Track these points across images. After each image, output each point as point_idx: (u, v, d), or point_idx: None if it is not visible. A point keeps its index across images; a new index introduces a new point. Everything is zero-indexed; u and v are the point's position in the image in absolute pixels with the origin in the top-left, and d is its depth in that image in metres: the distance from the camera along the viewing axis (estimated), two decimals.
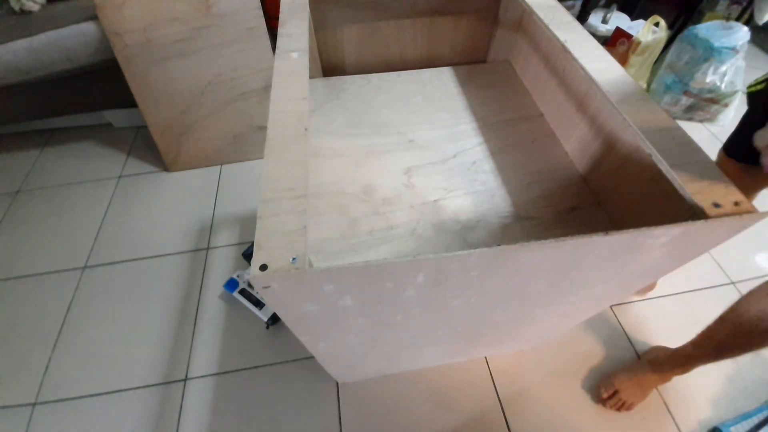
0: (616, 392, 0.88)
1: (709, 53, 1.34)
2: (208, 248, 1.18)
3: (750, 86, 0.70)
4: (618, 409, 0.88)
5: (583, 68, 0.53)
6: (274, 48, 0.95)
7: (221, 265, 1.15)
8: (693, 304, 1.05)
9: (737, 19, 1.59)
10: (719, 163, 0.79)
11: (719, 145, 0.78)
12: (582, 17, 1.67)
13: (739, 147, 0.75)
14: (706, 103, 1.45)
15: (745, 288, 1.06)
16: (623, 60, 1.49)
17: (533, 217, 0.62)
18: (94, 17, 1.12)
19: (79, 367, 0.97)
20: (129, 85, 1.18)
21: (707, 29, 1.37)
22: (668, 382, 0.89)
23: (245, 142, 1.39)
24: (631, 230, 0.35)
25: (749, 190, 0.78)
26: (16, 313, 1.07)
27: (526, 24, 0.80)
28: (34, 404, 0.92)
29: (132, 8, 1.07)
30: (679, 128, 0.46)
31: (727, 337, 0.71)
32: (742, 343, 0.69)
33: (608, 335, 0.99)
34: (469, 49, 0.89)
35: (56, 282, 1.13)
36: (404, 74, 0.86)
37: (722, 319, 0.72)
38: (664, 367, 0.86)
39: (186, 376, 0.95)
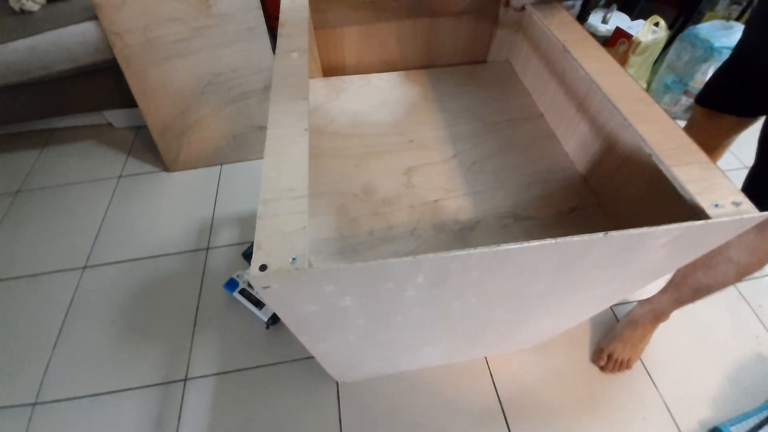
0: (609, 356, 0.93)
1: (709, 53, 1.34)
2: (208, 248, 1.18)
3: None
4: (620, 369, 0.92)
5: (583, 68, 0.53)
6: (274, 48, 0.95)
7: (221, 265, 1.15)
8: (692, 304, 1.05)
9: (737, 19, 1.59)
10: (693, 115, 0.84)
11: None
12: (582, 17, 1.66)
13: (710, 94, 0.78)
14: None
15: (744, 287, 1.07)
16: (623, 60, 1.49)
17: (533, 217, 0.62)
18: (94, 17, 1.12)
19: (79, 367, 0.97)
20: (129, 85, 1.18)
21: (707, 29, 1.36)
22: (649, 334, 0.94)
23: (245, 142, 1.39)
24: (631, 230, 0.35)
25: (719, 138, 0.81)
26: (16, 313, 1.07)
27: (526, 24, 0.80)
28: (34, 404, 0.92)
29: (132, 8, 1.07)
30: (678, 128, 0.46)
31: (681, 281, 0.82)
32: (692, 284, 0.79)
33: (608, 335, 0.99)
34: (469, 49, 0.89)
35: (56, 282, 1.13)
36: (404, 74, 0.86)
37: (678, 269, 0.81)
38: (638, 318, 0.93)
39: (186, 376, 0.95)
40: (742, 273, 0.69)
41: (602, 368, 0.94)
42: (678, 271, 0.82)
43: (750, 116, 0.74)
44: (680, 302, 0.84)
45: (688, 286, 0.80)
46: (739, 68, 0.72)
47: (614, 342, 0.93)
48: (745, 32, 0.70)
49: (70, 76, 1.23)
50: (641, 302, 0.94)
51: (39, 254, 1.19)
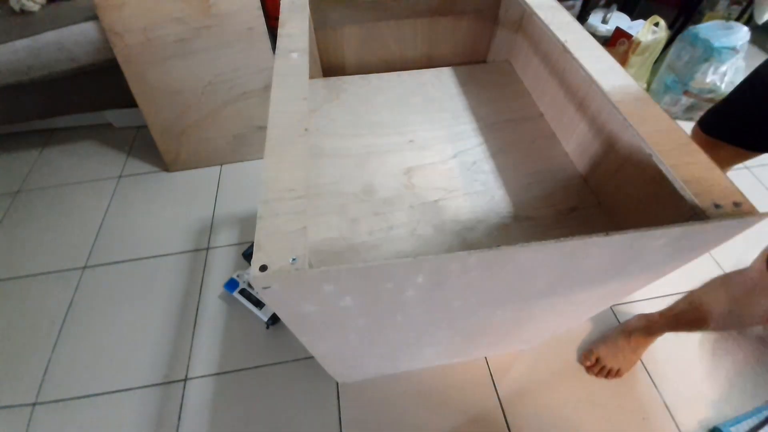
0: (597, 360, 0.93)
1: (709, 53, 1.34)
2: (208, 248, 1.18)
3: None
4: (606, 377, 0.92)
5: (583, 68, 0.53)
6: (274, 48, 0.95)
7: (221, 265, 1.15)
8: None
9: (737, 19, 1.59)
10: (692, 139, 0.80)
11: None
12: (582, 17, 1.66)
13: (719, 121, 0.74)
14: (706, 103, 1.45)
15: None
16: (623, 60, 1.49)
17: (533, 217, 0.62)
18: (94, 17, 1.12)
19: (79, 367, 0.97)
20: (129, 85, 1.18)
21: (707, 29, 1.37)
22: (642, 348, 0.93)
23: (245, 142, 1.39)
24: (632, 231, 0.35)
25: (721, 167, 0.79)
26: (16, 313, 1.07)
27: (526, 24, 0.80)
28: (34, 404, 0.92)
29: (132, 8, 1.07)
30: (679, 128, 0.46)
31: (682, 312, 0.81)
32: (691, 320, 0.78)
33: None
34: (469, 49, 0.89)
35: (56, 282, 1.13)
36: (404, 74, 0.86)
37: (684, 297, 0.81)
38: (632, 330, 0.92)
39: (186, 376, 0.95)
40: (744, 325, 0.69)
41: (587, 369, 0.94)
42: (680, 302, 0.82)
43: (755, 150, 0.71)
44: (675, 329, 0.84)
45: (687, 320, 0.79)
46: (755, 99, 0.68)
47: (605, 346, 0.93)
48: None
49: (70, 76, 1.23)
50: (638, 316, 0.94)
51: (39, 254, 1.19)
